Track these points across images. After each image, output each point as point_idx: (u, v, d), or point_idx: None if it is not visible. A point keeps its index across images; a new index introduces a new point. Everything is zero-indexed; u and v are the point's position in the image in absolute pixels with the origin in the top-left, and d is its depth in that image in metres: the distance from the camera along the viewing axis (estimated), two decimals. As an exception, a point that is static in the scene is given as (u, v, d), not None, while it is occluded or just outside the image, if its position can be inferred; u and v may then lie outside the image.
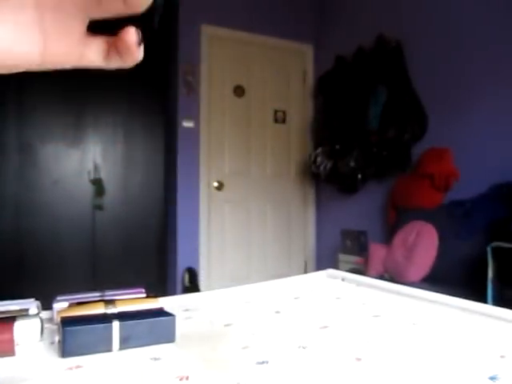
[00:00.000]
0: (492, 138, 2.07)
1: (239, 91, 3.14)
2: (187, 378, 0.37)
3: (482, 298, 1.65)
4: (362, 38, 2.75)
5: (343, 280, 0.75)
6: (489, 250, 1.75)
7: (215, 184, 3.02)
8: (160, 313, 0.47)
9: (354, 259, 2.61)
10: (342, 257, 2.72)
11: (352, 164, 2.74)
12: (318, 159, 2.99)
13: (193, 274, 2.85)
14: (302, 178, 3.33)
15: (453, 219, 2.01)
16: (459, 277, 1.83)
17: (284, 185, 3.29)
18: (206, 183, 2.98)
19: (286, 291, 0.68)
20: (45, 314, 0.52)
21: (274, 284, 0.72)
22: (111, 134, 2.71)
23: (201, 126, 2.96)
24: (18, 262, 2.48)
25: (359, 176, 2.75)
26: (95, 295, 0.52)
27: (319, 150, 3.02)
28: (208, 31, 2.99)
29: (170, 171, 2.88)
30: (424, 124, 2.41)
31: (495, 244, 1.74)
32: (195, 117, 2.94)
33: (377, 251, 2.34)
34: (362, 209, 2.84)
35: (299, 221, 3.33)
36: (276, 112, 3.27)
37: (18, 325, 0.43)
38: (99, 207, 2.63)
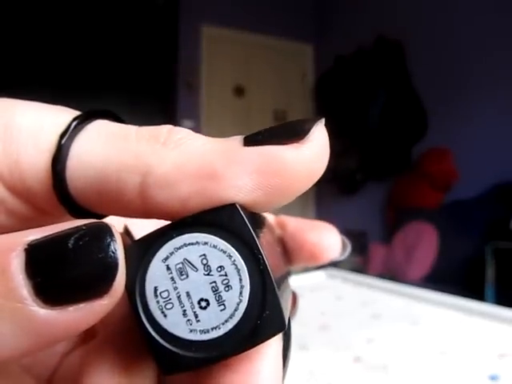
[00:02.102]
0: (492, 138, 2.07)
1: (239, 91, 3.14)
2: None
3: (481, 298, 1.65)
4: (362, 38, 2.75)
5: (343, 280, 0.75)
6: (488, 249, 1.75)
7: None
8: None
9: (354, 259, 2.61)
10: (342, 257, 2.71)
11: (352, 164, 2.74)
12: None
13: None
14: (301, 178, 3.33)
15: (453, 219, 2.01)
16: (459, 276, 1.83)
17: (284, 185, 3.29)
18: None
19: (286, 291, 0.68)
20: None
21: (274, 284, 0.72)
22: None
23: (201, 126, 2.96)
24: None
25: (359, 176, 2.75)
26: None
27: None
28: (208, 31, 2.99)
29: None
30: (424, 124, 2.41)
31: (495, 244, 1.74)
32: (195, 117, 2.94)
33: (377, 251, 2.34)
34: (362, 209, 2.84)
35: (299, 221, 3.33)
36: (276, 112, 3.27)
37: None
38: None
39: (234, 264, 0.10)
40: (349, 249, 0.16)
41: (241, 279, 0.10)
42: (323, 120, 0.11)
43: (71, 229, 0.09)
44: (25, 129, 0.11)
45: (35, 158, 0.11)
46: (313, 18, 3.34)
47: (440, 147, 2.25)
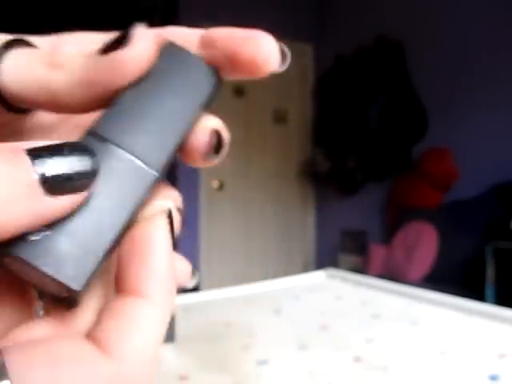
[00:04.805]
0: (492, 138, 2.07)
1: (239, 91, 3.14)
2: (187, 378, 0.37)
3: (481, 298, 1.65)
4: (363, 38, 2.75)
5: (343, 280, 0.75)
6: (488, 249, 1.75)
7: (215, 184, 3.02)
8: None
9: (354, 259, 2.61)
10: (342, 257, 2.71)
11: (352, 164, 2.74)
12: (318, 159, 2.99)
13: (192, 274, 2.85)
14: (302, 178, 3.33)
15: (453, 219, 2.01)
16: (459, 276, 1.83)
17: (284, 185, 3.29)
18: (206, 184, 2.98)
19: (286, 291, 0.68)
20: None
21: (273, 284, 0.72)
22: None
23: (201, 126, 2.96)
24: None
25: (359, 176, 2.75)
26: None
27: (319, 150, 3.02)
28: (208, 31, 2.99)
29: (169, 172, 2.88)
30: (424, 124, 2.41)
31: (495, 244, 1.74)
32: (195, 117, 2.94)
33: (377, 251, 2.34)
34: (362, 209, 2.84)
35: (299, 221, 3.33)
36: (276, 112, 3.27)
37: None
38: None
39: None
40: (288, 59, 0.16)
41: None
42: (142, 24, 0.14)
43: (66, 143, 0.12)
44: None
45: None
46: (313, 18, 3.34)
47: (440, 147, 2.25)
